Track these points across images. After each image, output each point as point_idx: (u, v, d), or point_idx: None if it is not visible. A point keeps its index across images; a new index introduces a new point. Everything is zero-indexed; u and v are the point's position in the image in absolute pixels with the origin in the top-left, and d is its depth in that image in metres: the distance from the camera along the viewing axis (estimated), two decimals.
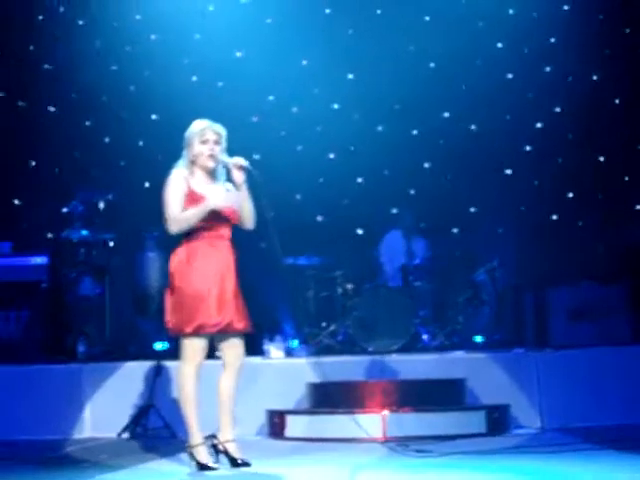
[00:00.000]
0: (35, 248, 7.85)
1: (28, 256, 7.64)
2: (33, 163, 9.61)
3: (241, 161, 4.75)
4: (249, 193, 4.81)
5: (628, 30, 9.20)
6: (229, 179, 4.83)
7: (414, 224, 8.88)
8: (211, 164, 4.78)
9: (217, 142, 4.77)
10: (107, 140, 9.63)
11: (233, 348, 4.78)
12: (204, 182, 4.80)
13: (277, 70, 9.69)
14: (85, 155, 9.55)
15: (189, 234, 4.71)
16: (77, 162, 9.53)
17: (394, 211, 9.28)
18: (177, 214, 4.66)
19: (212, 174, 4.83)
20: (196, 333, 4.63)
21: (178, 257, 4.72)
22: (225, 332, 4.71)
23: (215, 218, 4.71)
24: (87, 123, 9.64)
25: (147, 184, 9.30)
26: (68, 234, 7.86)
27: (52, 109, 9.64)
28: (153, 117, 9.66)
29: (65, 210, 7.96)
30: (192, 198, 4.70)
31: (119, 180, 8.94)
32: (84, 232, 7.85)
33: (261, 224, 4.89)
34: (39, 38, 9.61)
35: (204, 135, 4.75)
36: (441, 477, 4.27)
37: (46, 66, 9.68)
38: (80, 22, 9.71)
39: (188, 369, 4.67)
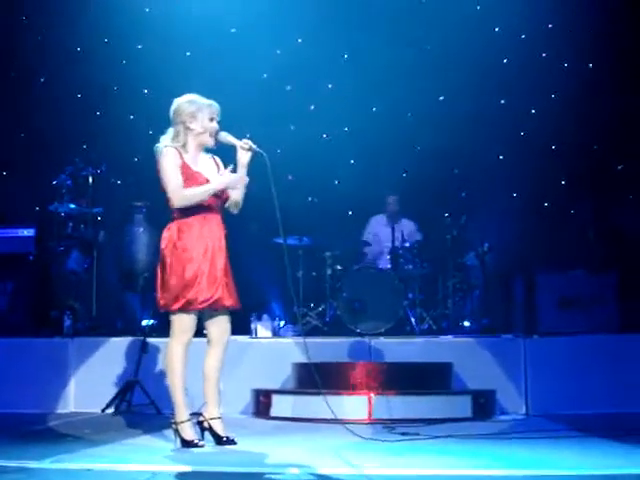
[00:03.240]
0: (23, 220, 7.79)
1: (15, 228, 7.59)
2: (22, 135, 9.52)
3: (250, 143, 4.73)
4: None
5: (626, 17, 9.14)
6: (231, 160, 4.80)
7: (399, 209, 8.84)
8: (212, 143, 4.76)
9: (217, 121, 4.75)
10: (97, 113, 9.55)
11: (219, 324, 4.76)
12: (196, 156, 4.77)
13: (271, 48, 9.61)
14: (75, 128, 9.47)
15: (181, 209, 4.66)
16: (67, 135, 9.44)
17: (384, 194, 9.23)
18: (181, 189, 4.61)
19: (202, 149, 4.80)
20: (185, 309, 4.60)
21: (170, 232, 4.69)
22: (214, 308, 4.69)
23: None
24: (78, 96, 9.55)
25: (136, 159, 9.24)
26: (56, 207, 7.81)
27: (42, 80, 9.54)
28: (145, 91, 9.58)
29: (54, 183, 7.89)
30: (187, 174, 4.66)
31: (108, 154, 8.86)
32: (72, 206, 7.80)
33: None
34: (31, 8, 9.49)
35: (214, 112, 4.73)
36: (425, 460, 4.26)
37: (38, 38, 9.58)
38: None
39: (177, 346, 4.64)
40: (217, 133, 4.73)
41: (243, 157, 4.73)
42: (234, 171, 4.76)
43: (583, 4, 9.06)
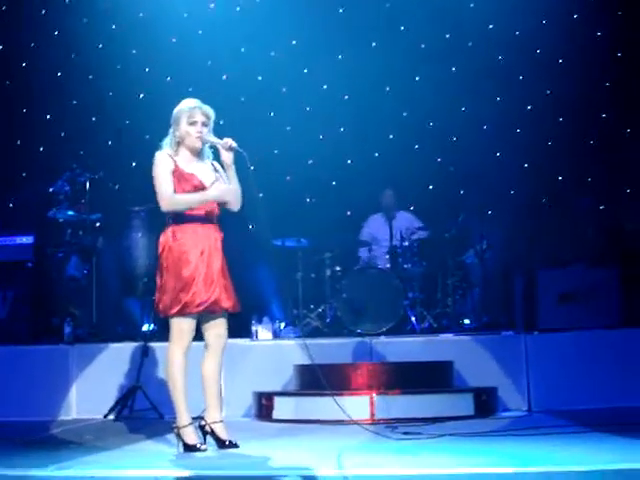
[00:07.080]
0: (21, 228, 7.78)
1: (14, 236, 7.58)
2: (19, 142, 9.52)
3: (230, 142, 4.71)
4: (237, 175, 4.78)
5: (620, 12, 9.16)
6: (217, 159, 4.81)
7: (395, 203, 8.81)
8: (198, 145, 4.75)
9: (205, 124, 4.74)
10: (94, 119, 9.55)
11: (215, 328, 4.75)
12: (190, 161, 4.77)
13: (266, 50, 9.62)
14: (72, 134, 9.47)
15: (177, 214, 4.68)
16: (63, 141, 9.45)
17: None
18: (172, 194, 4.63)
19: (198, 153, 4.80)
20: (182, 313, 4.59)
21: (165, 237, 4.69)
22: (212, 311, 4.68)
23: None
24: (74, 102, 9.56)
25: (134, 164, 9.24)
26: (54, 214, 7.80)
27: (38, 87, 9.53)
28: (140, 96, 9.58)
29: (51, 190, 7.88)
30: (179, 176, 4.67)
31: (106, 160, 8.86)
32: (70, 212, 7.79)
33: (249, 205, 4.85)
34: (26, 16, 9.50)
35: (193, 116, 4.71)
36: (428, 459, 4.25)
37: (32, 44, 9.59)
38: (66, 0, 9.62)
39: (176, 350, 4.63)
40: (199, 137, 4.71)
41: (226, 157, 4.73)
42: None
43: None
